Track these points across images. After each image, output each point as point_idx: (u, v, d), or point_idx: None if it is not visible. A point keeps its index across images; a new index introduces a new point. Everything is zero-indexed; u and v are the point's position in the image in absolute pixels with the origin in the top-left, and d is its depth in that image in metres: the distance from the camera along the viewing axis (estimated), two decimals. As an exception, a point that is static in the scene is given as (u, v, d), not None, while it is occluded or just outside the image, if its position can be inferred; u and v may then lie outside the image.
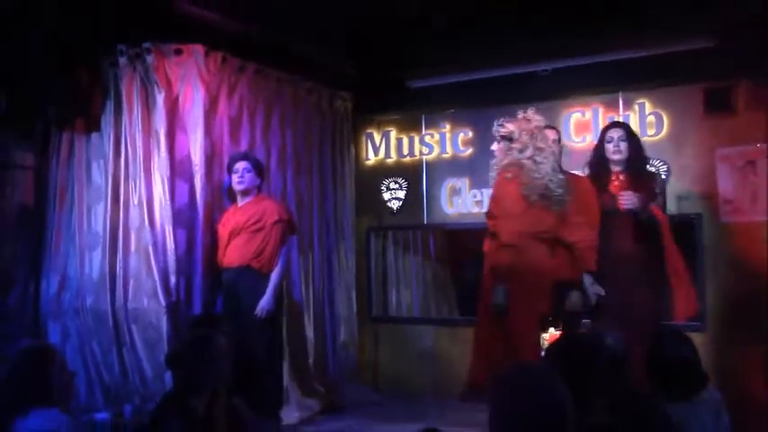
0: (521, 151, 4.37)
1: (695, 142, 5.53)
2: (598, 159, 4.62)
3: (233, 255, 4.93)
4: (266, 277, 4.92)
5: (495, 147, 4.59)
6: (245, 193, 5.05)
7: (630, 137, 4.56)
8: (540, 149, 4.36)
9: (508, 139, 4.46)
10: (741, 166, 5.36)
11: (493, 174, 4.54)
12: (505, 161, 4.44)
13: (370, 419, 5.54)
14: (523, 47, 5.70)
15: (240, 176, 5.00)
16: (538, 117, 4.49)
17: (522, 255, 4.25)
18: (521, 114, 4.49)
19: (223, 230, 5.02)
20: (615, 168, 4.54)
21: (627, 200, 4.38)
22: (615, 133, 4.55)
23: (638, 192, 4.39)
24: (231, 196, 5.22)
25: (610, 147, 4.52)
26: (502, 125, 4.52)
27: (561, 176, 4.38)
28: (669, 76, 5.56)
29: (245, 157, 5.11)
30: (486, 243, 4.53)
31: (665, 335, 3.23)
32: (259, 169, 5.11)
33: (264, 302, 4.87)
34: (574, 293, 4.42)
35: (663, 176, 4.57)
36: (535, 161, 4.33)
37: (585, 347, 2.71)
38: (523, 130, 4.41)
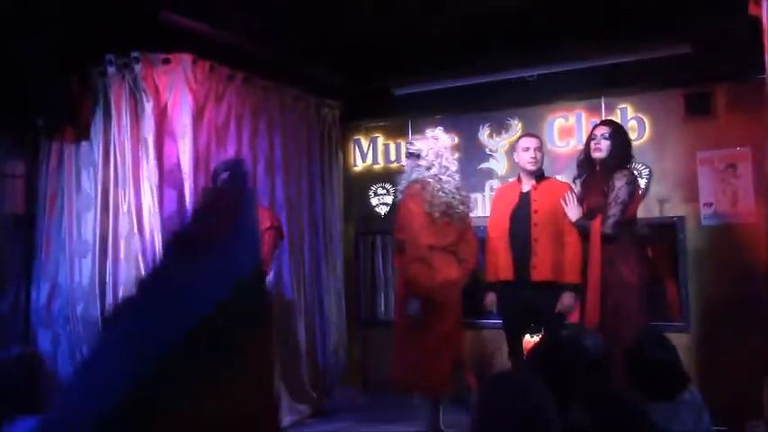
0: (428, 169, 4.65)
1: (676, 146, 5.61)
2: (584, 158, 4.65)
3: None
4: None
5: (405, 163, 4.87)
6: None
7: (615, 135, 4.50)
8: (445, 168, 4.64)
9: (416, 156, 4.71)
10: (721, 169, 5.45)
11: (401, 188, 4.79)
12: (413, 177, 4.71)
13: (359, 422, 5.61)
14: (508, 54, 5.77)
15: None
16: (446, 137, 4.78)
17: (432, 268, 4.55)
18: (430, 133, 4.75)
19: None
20: (598, 167, 4.54)
21: (570, 211, 4.53)
22: (599, 131, 4.54)
23: (589, 193, 4.49)
24: None
25: (592, 144, 4.53)
26: (412, 143, 4.80)
27: (465, 194, 4.73)
28: (650, 81, 5.66)
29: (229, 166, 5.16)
30: (395, 258, 4.90)
31: (644, 336, 3.27)
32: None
33: None
34: (566, 295, 4.49)
35: (634, 180, 4.53)
36: (440, 180, 4.62)
37: (565, 350, 2.76)
38: (431, 149, 4.68)
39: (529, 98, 6.09)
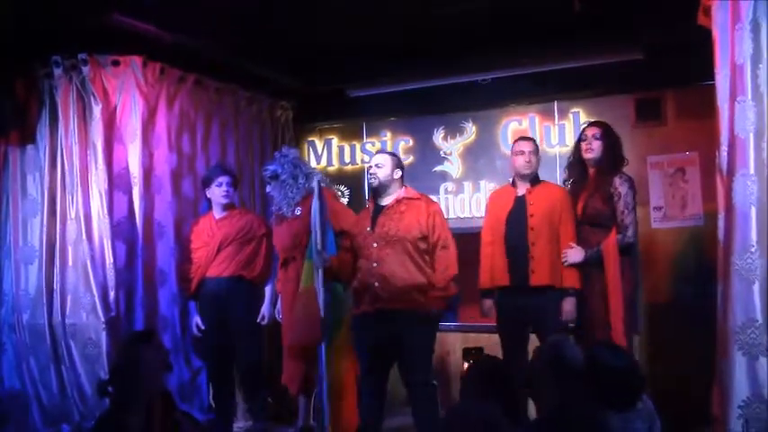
0: (295, 178, 4.83)
1: (627, 150, 5.56)
2: (574, 160, 4.61)
3: (221, 265, 4.96)
4: (256, 286, 5.03)
5: (269, 189, 4.96)
6: (228, 206, 5.06)
7: (606, 136, 4.47)
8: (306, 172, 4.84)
9: (275, 177, 4.85)
10: (671, 174, 5.55)
11: (293, 210, 4.84)
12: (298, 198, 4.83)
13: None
14: (462, 57, 5.77)
15: (226, 190, 5.01)
16: (293, 150, 5.04)
17: None
18: (277, 154, 4.97)
19: (210, 241, 4.99)
20: (591, 169, 4.50)
21: (572, 257, 4.38)
22: (590, 132, 4.50)
23: (588, 199, 4.44)
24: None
25: (583, 145, 4.49)
26: (266, 170, 4.92)
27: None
28: (602, 86, 5.72)
29: (227, 171, 5.12)
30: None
31: (602, 347, 3.25)
32: (236, 182, 5.18)
33: (265, 309, 5.04)
34: (567, 301, 4.42)
35: (634, 184, 4.42)
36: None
37: (492, 372, 2.75)
38: (285, 164, 4.85)
39: (483, 101, 6.10)
